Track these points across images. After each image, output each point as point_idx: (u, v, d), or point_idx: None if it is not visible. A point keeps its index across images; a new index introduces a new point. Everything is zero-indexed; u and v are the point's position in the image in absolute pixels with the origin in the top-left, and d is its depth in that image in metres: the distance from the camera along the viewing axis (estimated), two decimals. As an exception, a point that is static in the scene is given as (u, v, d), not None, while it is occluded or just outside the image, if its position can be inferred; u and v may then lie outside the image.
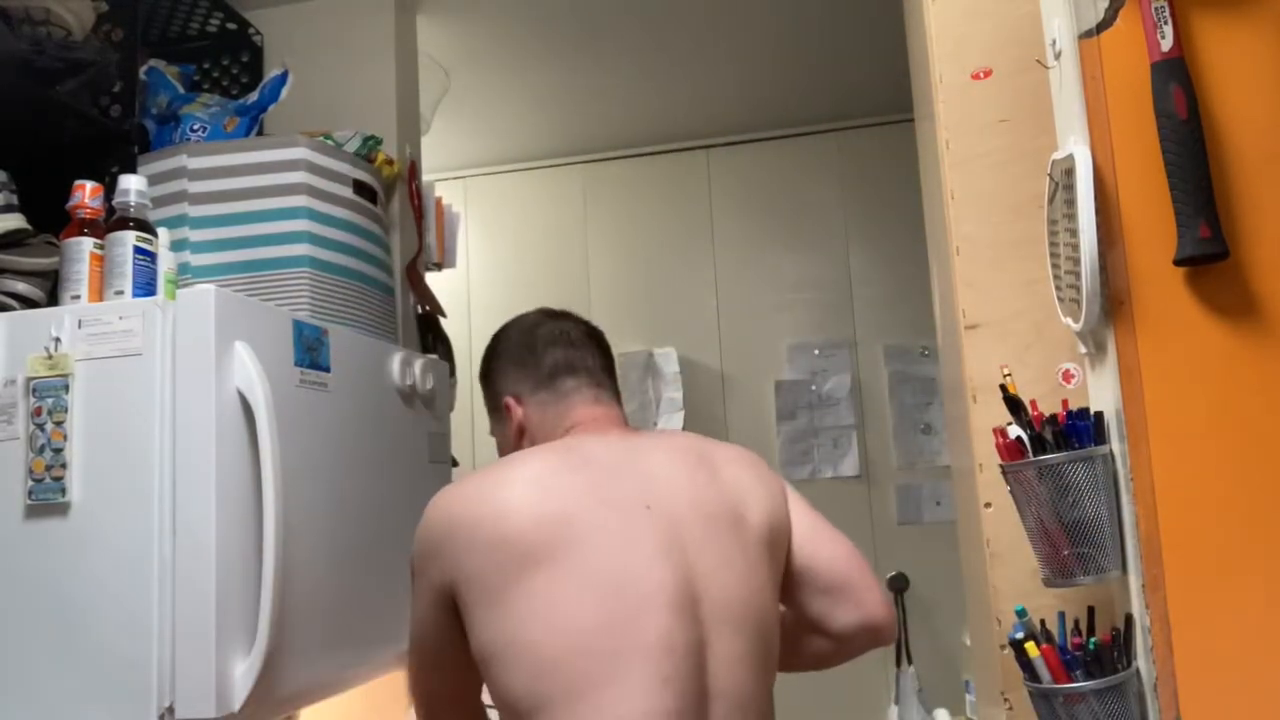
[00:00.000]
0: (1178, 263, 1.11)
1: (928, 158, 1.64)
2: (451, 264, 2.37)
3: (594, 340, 1.36)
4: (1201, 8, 1.15)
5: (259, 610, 1.27)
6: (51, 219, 1.47)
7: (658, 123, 3.27)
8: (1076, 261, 1.16)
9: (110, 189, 1.44)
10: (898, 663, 3.00)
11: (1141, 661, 1.15)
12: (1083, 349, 1.26)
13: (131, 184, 1.42)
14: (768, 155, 3.37)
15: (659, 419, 3.28)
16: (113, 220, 1.41)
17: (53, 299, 1.45)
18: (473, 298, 3.41)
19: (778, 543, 1.24)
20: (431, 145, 2.55)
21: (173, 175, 1.71)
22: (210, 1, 2.09)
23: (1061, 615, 1.22)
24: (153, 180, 1.61)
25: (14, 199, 1.50)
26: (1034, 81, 1.37)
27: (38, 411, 1.29)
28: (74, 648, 1.25)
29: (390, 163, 2.07)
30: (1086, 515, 1.17)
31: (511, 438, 1.33)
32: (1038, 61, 1.35)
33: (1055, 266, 1.27)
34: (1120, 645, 1.17)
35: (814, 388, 3.25)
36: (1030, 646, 1.18)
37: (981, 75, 1.43)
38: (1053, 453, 1.18)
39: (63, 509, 1.27)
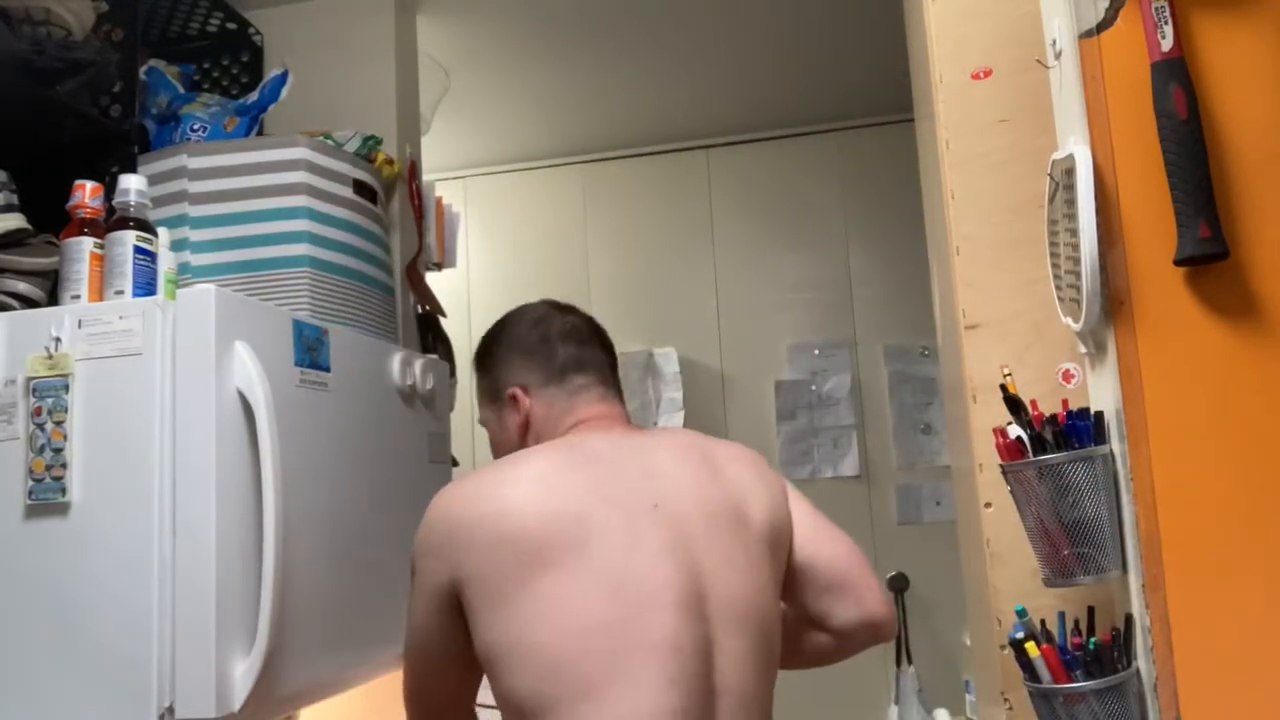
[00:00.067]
0: (1178, 263, 1.11)
1: (928, 158, 1.64)
2: (451, 264, 2.37)
3: (599, 337, 1.36)
4: (1201, 8, 1.15)
5: (259, 610, 1.27)
6: (51, 219, 1.47)
7: (657, 123, 3.27)
8: (1076, 261, 1.16)
9: (110, 189, 1.44)
10: (898, 663, 3.00)
11: (1141, 661, 1.15)
12: (1083, 349, 1.26)
13: (131, 184, 1.42)
14: (768, 155, 3.37)
15: (659, 419, 3.28)
16: (113, 220, 1.41)
17: (53, 299, 1.45)
18: (473, 298, 3.41)
19: (779, 541, 1.24)
20: (431, 145, 2.55)
21: (173, 175, 1.71)
22: (210, 1, 2.09)
23: (1061, 615, 1.22)
24: (153, 180, 1.61)
25: (14, 199, 1.50)
26: (1034, 81, 1.37)
27: (38, 411, 1.29)
28: (74, 648, 1.25)
29: (390, 163, 2.07)
30: (1086, 515, 1.17)
31: (514, 430, 1.31)
32: (1038, 61, 1.35)
33: (1055, 266, 1.27)
34: (1120, 645, 1.17)
35: (814, 388, 3.25)
36: (1030, 646, 1.18)
37: (981, 75, 1.43)
38: (1053, 453, 1.18)
39: (63, 509, 1.27)
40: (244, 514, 1.30)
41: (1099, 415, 1.20)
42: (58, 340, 1.30)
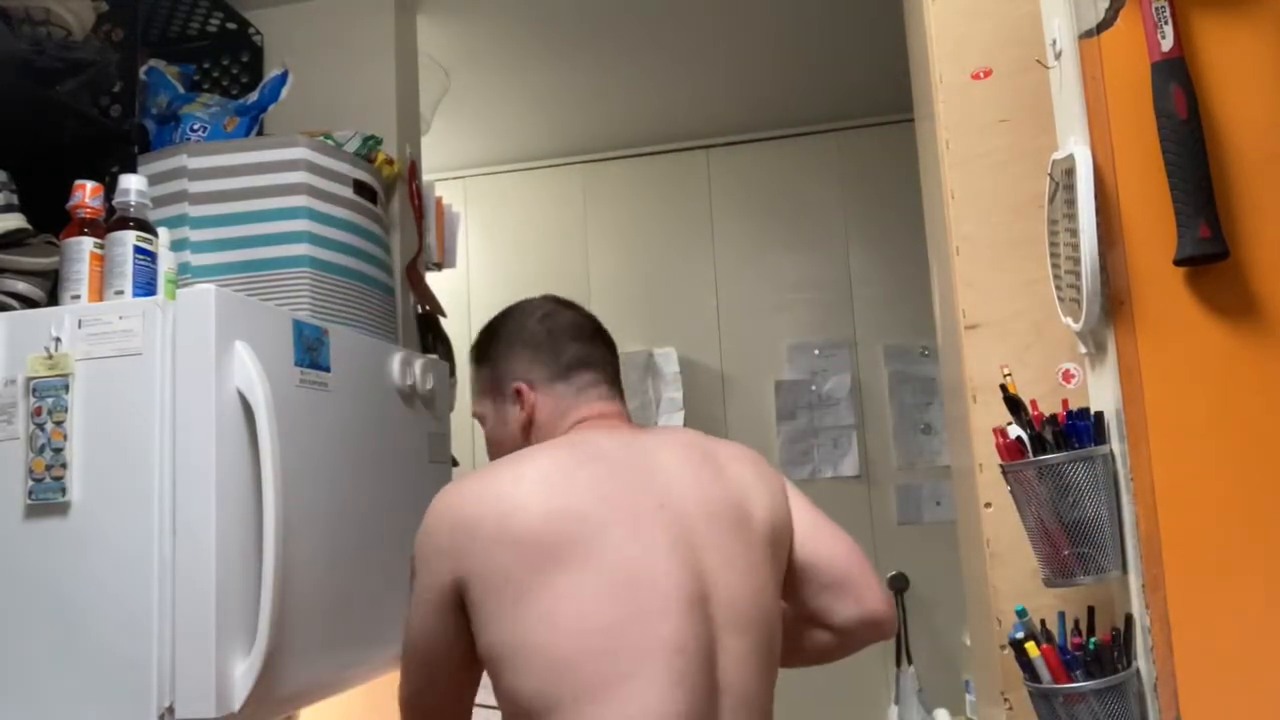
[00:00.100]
0: (1178, 263, 1.11)
1: (928, 158, 1.64)
2: (451, 264, 2.37)
3: (603, 335, 1.35)
4: (1201, 8, 1.15)
5: (259, 610, 1.27)
6: (51, 219, 1.47)
7: (658, 123, 3.27)
8: (1076, 261, 1.16)
9: (110, 189, 1.44)
10: (898, 663, 3.00)
11: (1141, 661, 1.15)
12: (1083, 349, 1.26)
13: (131, 184, 1.42)
14: (768, 155, 3.37)
15: (659, 419, 3.28)
16: (113, 220, 1.41)
17: (53, 299, 1.45)
18: (473, 298, 3.41)
19: (780, 541, 1.25)
20: (431, 145, 2.55)
21: (173, 175, 1.71)
22: (210, 1, 2.09)
23: (1061, 615, 1.22)
24: (153, 180, 1.61)
25: (14, 199, 1.50)
26: (1034, 81, 1.37)
27: (38, 411, 1.29)
28: (74, 648, 1.25)
29: (390, 163, 2.07)
30: (1086, 515, 1.17)
31: (516, 425, 1.29)
32: (1038, 61, 1.35)
33: (1055, 266, 1.27)
34: (1120, 645, 1.17)
35: (814, 388, 3.25)
36: (1030, 646, 1.18)
37: (981, 75, 1.43)
38: (1053, 453, 1.18)
39: (63, 509, 1.27)
40: (244, 514, 1.30)
41: (1099, 415, 1.20)
42: (58, 340, 1.30)
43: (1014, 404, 1.24)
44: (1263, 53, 1.13)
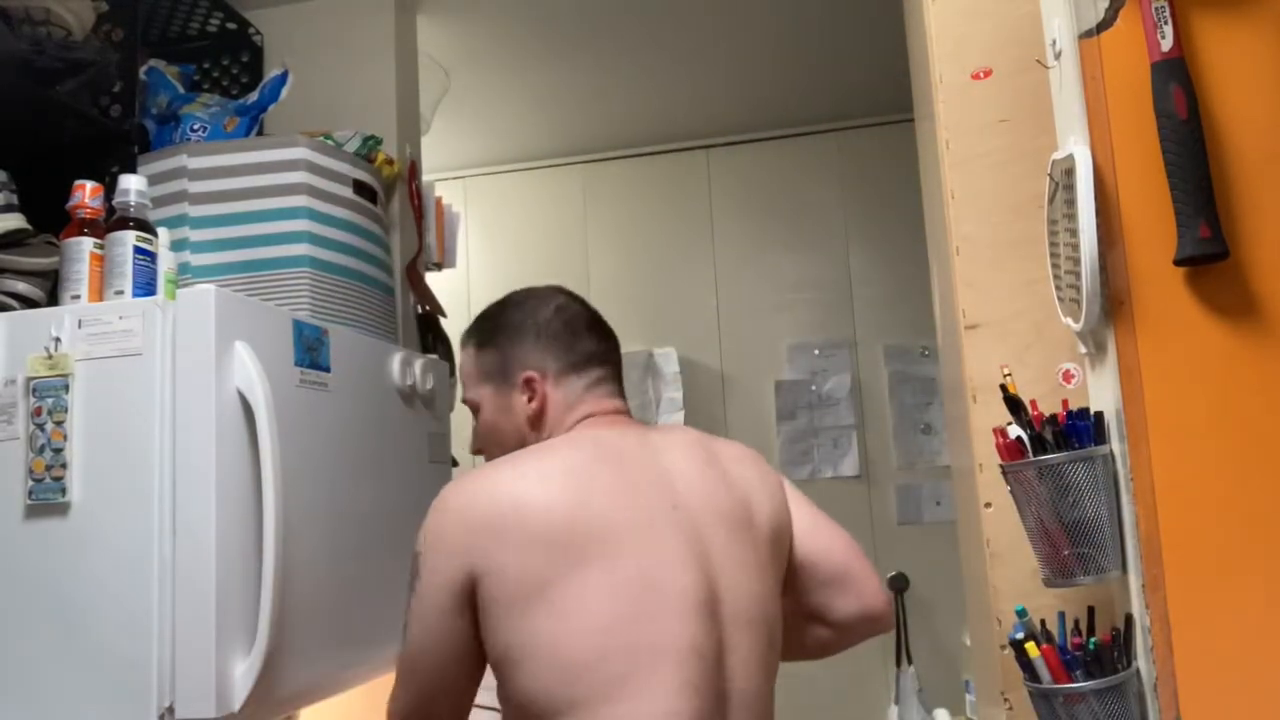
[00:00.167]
0: (1178, 263, 1.11)
1: (928, 158, 1.64)
2: (451, 264, 2.37)
3: (611, 332, 1.33)
4: (1201, 8, 1.15)
5: (259, 610, 1.27)
6: (51, 219, 1.47)
7: (658, 123, 3.27)
8: (1076, 261, 1.16)
9: (110, 189, 1.44)
10: (898, 663, 3.00)
11: (1141, 661, 1.15)
12: (1083, 349, 1.26)
13: (131, 184, 1.42)
14: (768, 155, 3.37)
15: (659, 419, 3.28)
16: (113, 220, 1.41)
17: (53, 299, 1.45)
18: (473, 298, 3.40)
19: (781, 541, 1.25)
20: (431, 145, 2.55)
21: (173, 175, 1.71)
22: (210, 1, 2.09)
23: (1061, 615, 1.22)
24: (153, 180, 1.61)
25: (14, 199, 1.50)
26: (1034, 81, 1.37)
27: (38, 411, 1.29)
28: (74, 648, 1.25)
29: (390, 163, 2.07)
30: (1086, 515, 1.17)
31: (522, 415, 1.24)
32: (1038, 61, 1.35)
33: (1055, 266, 1.27)
34: (1120, 645, 1.17)
35: (814, 388, 3.25)
36: (1030, 646, 1.18)
37: (981, 75, 1.43)
38: (1053, 453, 1.18)
39: (63, 509, 1.27)
40: (244, 514, 1.30)
41: (1099, 415, 1.20)
42: (58, 340, 1.30)
43: (1014, 404, 1.24)
44: (1263, 53, 1.13)
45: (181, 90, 1.95)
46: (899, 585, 3.06)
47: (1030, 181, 1.37)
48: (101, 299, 1.37)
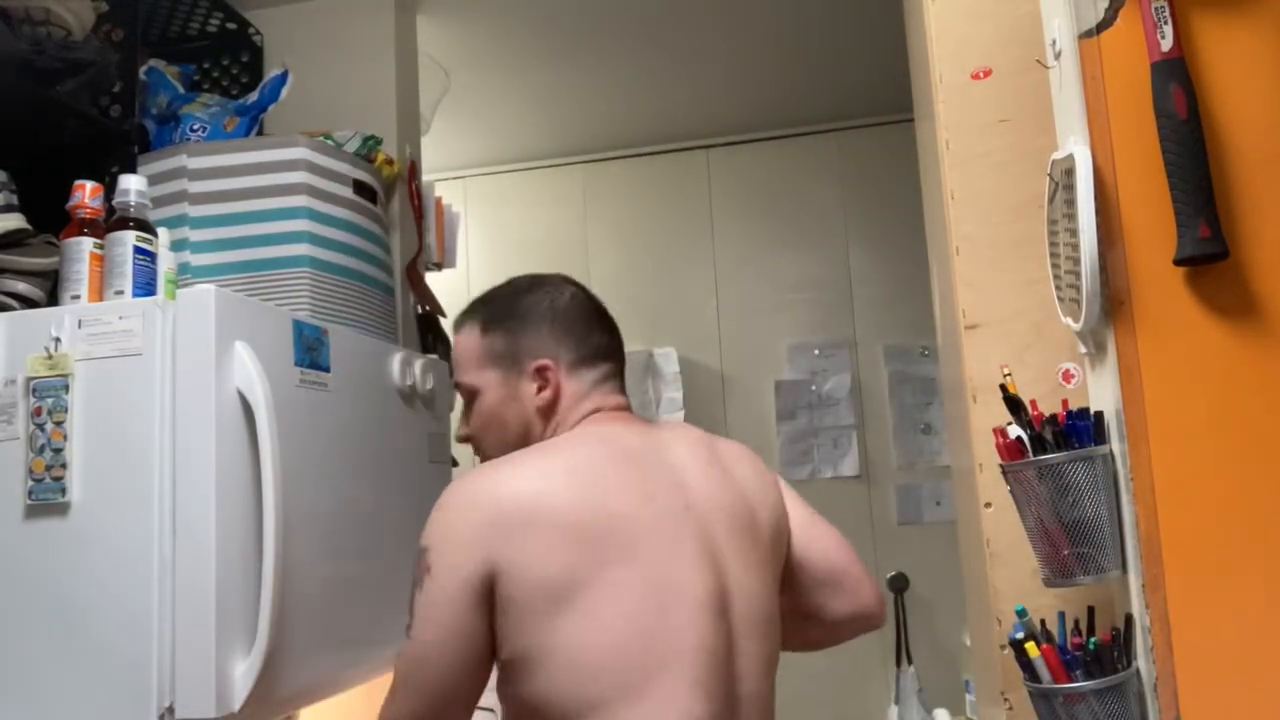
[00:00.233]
0: (1178, 263, 1.11)
1: (928, 158, 1.64)
2: (451, 264, 2.37)
3: (617, 328, 1.31)
4: (1201, 8, 1.15)
5: (259, 610, 1.27)
6: (51, 219, 1.47)
7: (658, 123, 3.27)
8: (1076, 261, 1.16)
9: (110, 189, 1.44)
10: (898, 663, 3.00)
11: (1141, 661, 1.15)
12: (1083, 349, 1.26)
13: (131, 184, 1.42)
14: (768, 155, 3.37)
15: (659, 419, 3.28)
16: (113, 220, 1.41)
17: (53, 299, 1.45)
18: (473, 298, 3.40)
19: (780, 540, 1.25)
20: (431, 145, 2.55)
21: (173, 175, 1.71)
22: (210, 1, 2.09)
23: (1061, 615, 1.22)
24: (153, 180, 1.61)
25: (14, 199, 1.50)
26: (1034, 81, 1.37)
27: (38, 411, 1.29)
28: (74, 648, 1.25)
29: (390, 163, 2.07)
30: (1086, 515, 1.17)
31: (531, 405, 1.19)
32: (1038, 61, 1.35)
33: (1055, 266, 1.27)
34: (1120, 645, 1.17)
35: (814, 388, 3.25)
36: (1030, 646, 1.18)
37: (981, 75, 1.43)
38: (1053, 453, 1.18)
39: (63, 509, 1.27)
40: (244, 514, 1.30)
41: (1099, 415, 1.20)
42: (58, 340, 1.30)
43: (1014, 404, 1.24)
44: (1263, 53, 1.13)
45: (181, 90, 1.95)
46: (899, 585, 3.06)
47: (1030, 181, 1.37)
48: (101, 299, 1.37)
